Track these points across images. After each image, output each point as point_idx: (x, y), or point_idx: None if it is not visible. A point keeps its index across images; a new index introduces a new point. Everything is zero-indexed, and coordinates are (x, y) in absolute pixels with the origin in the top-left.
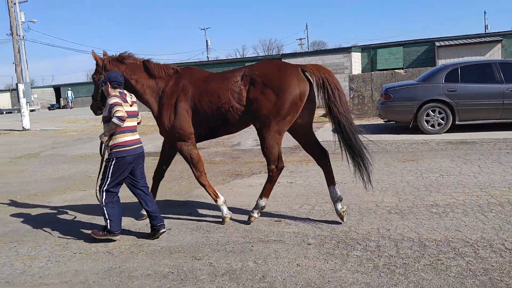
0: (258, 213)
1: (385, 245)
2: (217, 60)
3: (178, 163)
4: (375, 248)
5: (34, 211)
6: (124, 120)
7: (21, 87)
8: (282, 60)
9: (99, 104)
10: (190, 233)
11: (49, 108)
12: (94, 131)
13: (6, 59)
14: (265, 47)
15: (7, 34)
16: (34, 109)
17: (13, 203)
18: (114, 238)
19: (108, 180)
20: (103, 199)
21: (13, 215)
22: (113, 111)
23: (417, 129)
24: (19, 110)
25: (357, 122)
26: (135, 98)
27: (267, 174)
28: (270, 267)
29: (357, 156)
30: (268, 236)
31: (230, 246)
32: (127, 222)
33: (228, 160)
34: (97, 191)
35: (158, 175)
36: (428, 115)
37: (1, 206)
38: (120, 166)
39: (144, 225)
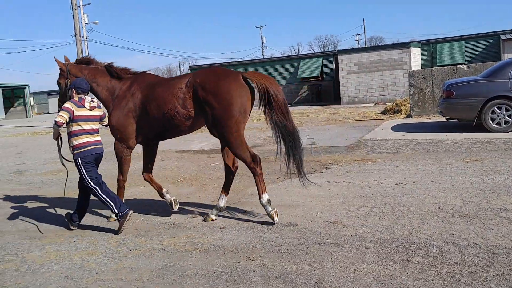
0: (272, 208)
1: (449, 251)
2: (272, 58)
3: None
4: (437, 254)
5: (93, 206)
6: (59, 125)
7: None
8: (339, 56)
9: None
10: (244, 232)
11: None
12: None
13: (70, 59)
14: (321, 44)
15: (71, 36)
16: None
17: (75, 199)
18: (128, 217)
19: (86, 172)
20: (99, 192)
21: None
22: (58, 114)
23: (481, 128)
24: None
25: (417, 119)
26: (97, 103)
27: (322, 173)
28: (326, 271)
29: (291, 156)
30: (324, 239)
31: (285, 248)
32: (180, 219)
33: (283, 158)
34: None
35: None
36: (493, 112)
37: (66, 200)
38: (86, 162)
39: (198, 222)
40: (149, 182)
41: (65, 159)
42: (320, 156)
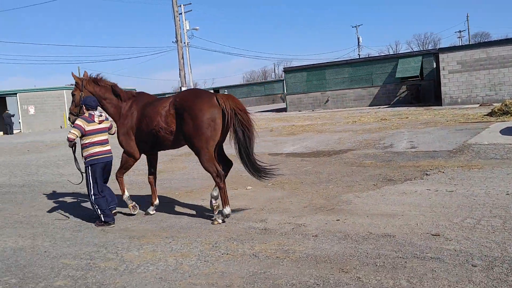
0: (221, 219)
1: None
2: (368, 57)
3: (320, 165)
4: None
5: (188, 208)
6: (71, 141)
7: (184, 90)
8: (440, 54)
9: (76, 116)
10: (338, 242)
11: None
12: None
13: (173, 65)
14: (420, 42)
15: (173, 42)
16: None
17: (172, 199)
18: (107, 226)
19: (91, 185)
20: (92, 198)
21: (171, 211)
22: (69, 131)
23: None
24: None
25: None
26: (104, 116)
27: (422, 180)
28: None
29: (247, 163)
30: (424, 252)
31: (381, 260)
32: (272, 225)
33: (380, 163)
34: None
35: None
36: None
37: (163, 201)
38: (92, 172)
39: (290, 229)
40: (150, 184)
41: (78, 166)
42: (420, 161)
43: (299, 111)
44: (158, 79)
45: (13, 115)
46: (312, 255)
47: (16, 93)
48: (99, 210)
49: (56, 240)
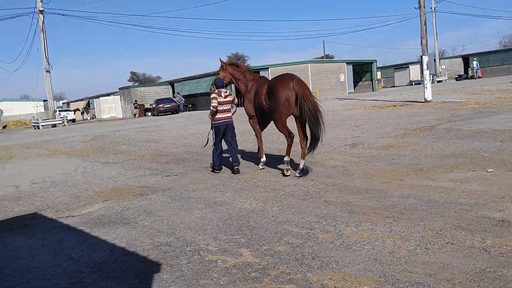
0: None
1: None
2: None
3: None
4: None
5: (415, 188)
6: (214, 107)
7: (425, 59)
8: None
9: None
10: None
11: (456, 79)
12: (498, 104)
13: (418, 33)
14: None
15: (415, 8)
16: (441, 80)
17: (402, 177)
18: (213, 171)
19: (214, 140)
20: (212, 150)
21: (396, 189)
22: (211, 102)
23: None
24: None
25: None
26: (228, 93)
27: None
28: None
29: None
30: None
31: None
32: None
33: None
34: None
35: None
36: None
37: (389, 178)
38: (216, 131)
39: None
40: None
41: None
42: None
43: None
44: (400, 48)
45: None
46: None
47: (268, 68)
48: (212, 159)
49: (283, 206)
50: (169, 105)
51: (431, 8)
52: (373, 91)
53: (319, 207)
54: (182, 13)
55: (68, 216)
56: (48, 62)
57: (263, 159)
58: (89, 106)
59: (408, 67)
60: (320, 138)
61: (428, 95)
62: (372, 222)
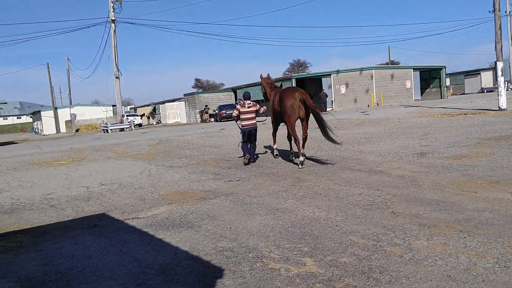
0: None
1: None
2: None
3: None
4: None
5: (492, 201)
6: (233, 117)
7: (499, 65)
8: None
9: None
10: None
11: None
12: None
13: (490, 38)
14: None
15: (489, 12)
16: None
17: (476, 189)
18: (244, 159)
19: (242, 139)
20: (241, 146)
21: (469, 202)
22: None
23: None
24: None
25: None
26: (252, 104)
27: None
28: None
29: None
30: None
31: None
32: None
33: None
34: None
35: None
36: None
37: (462, 189)
38: (242, 134)
39: None
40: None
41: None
42: None
43: None
44: (470, 54)
45: (327, 96)
46: None
47: (330, 74)
48: (242, 150)
49: (347, 216)
50: (231, 111)
51: (505, 12)
52: (441, 98)
53: (386, 218)
54: (249, 21)
55: (134, 217)
56: (117, 68)
57: (275, 146)
58: (155, 112)
59: (480, 73)
60: (326, 126)
61: (503, 102)
62: (445, 236)
